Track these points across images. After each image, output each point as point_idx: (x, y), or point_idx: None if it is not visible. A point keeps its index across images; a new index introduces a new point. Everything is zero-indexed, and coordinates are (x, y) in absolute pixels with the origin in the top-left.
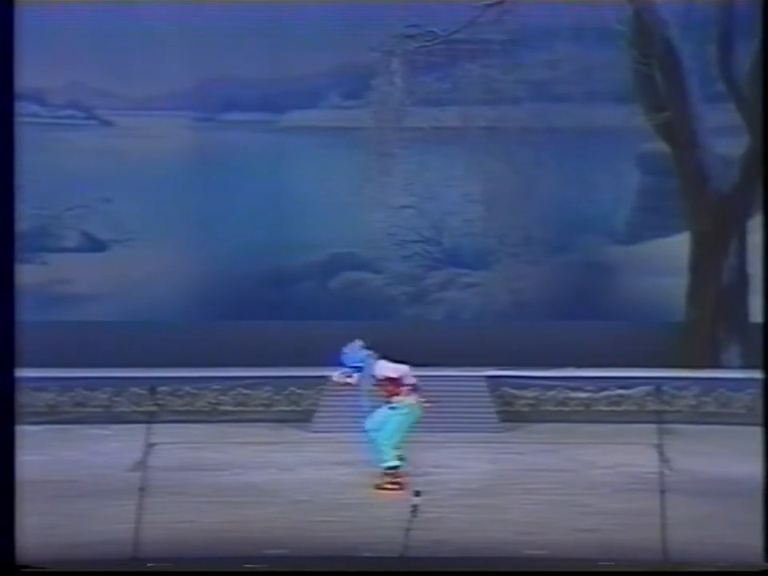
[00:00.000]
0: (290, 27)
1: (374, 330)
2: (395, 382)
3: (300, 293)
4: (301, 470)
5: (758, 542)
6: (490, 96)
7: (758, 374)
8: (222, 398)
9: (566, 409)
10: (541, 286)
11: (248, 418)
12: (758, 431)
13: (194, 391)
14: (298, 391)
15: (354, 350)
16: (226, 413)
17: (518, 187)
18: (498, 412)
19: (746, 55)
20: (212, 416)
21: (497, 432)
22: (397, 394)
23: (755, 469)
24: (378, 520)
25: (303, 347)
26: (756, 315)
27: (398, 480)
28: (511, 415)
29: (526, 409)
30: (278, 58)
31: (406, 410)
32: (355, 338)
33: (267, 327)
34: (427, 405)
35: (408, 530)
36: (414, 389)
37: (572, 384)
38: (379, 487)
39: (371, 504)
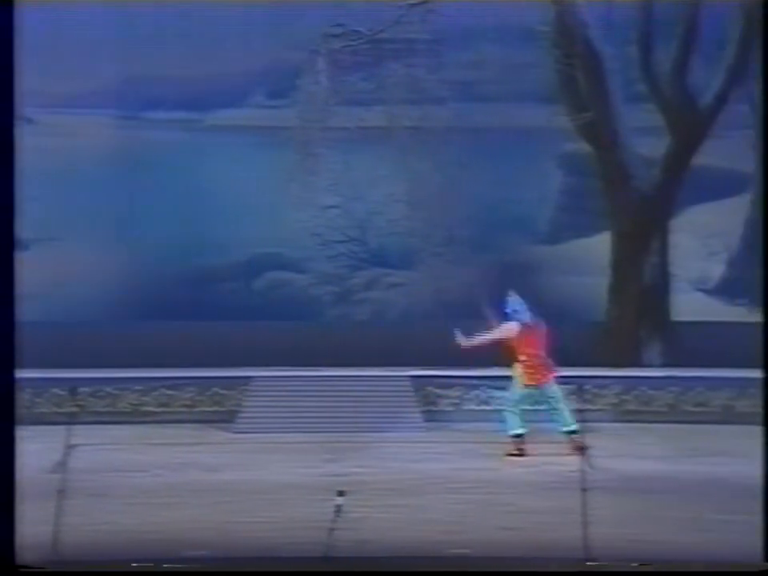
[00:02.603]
0: (214, 25)
1: (298, 330)
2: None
3: (224, 293)
4: (224, 471)
5: (677, 538)
6: (415, 96)
7: (679, 372)
8: (143, 398)
9: (490, 408)
10: (465, 286)
11: (170, 419)
12: (677, 428)
13: (116, 392)
14: (222, 392)
15: (516, 301)
16: (148, 414)
17: (443, 187)
18: (422, 412)
19: (666, 56)
20: (134, 417)
21: (421, 431)
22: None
23: (675, 466)
24: (301, 520)
25: (227, 347)
26: (677, 314)
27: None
28: (435, 415)
29: (450, 408)
30: (203, 56)
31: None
32: (279, 338)
33: (191, 327)
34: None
35: (332, 529)
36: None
37: (496, 383)
38: (509, 454)
39: (294, 504)
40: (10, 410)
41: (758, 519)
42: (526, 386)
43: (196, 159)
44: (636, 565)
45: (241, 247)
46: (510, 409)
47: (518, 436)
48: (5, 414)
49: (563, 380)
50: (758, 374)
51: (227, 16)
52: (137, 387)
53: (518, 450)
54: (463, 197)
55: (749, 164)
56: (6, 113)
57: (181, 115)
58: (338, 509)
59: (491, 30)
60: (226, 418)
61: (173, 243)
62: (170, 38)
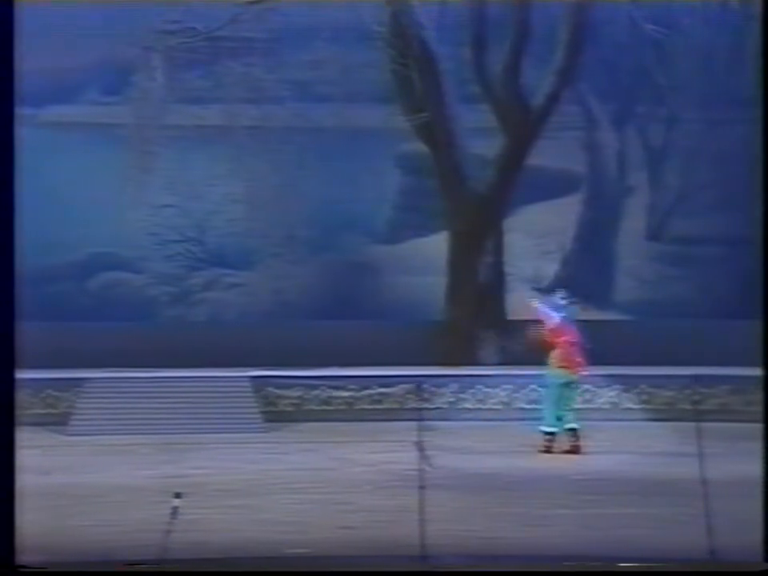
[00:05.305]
0: (48, 20)
1: (135, 330)
2: (554, 335)
3: (58, 293)
4: (57, 474)
5: (509, 533)
6: (253, 95)
7: (513, 371)
8: None
9: (330, 408)
10: (305, 286)
11: None
12: (512, 426)
13: None
14: (55, 394)
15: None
16: None
17: (282, 187)
18: (262, 412)
19: (498, 57)
20: None
21: (261, 432)
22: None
23: (510, 463)
24: (137, 522)
25: (61, 349)
26: (512, 313)
27: (551, 445)
28: (275, 415)
29: (290, 408)
30: (35, 51)
31: (556, 379)
32: (114, 339)
33: (24, 328)
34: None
35: (168, 532)
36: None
37: (335, 383)
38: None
39: (130, 507)
40: (9, 411)
41: (586, 512)
42: (565, 371)
43: (28, 156)
44: (638, 565)
45: (74, 247)
46: (547, 406)
47: (550, 434)
48: (4, 415)
49: (402, 379)
50: (597, 371)
51: (59, 10)
52: None
53: (547, 446)
54: (302, 197)
55: (579, 164)
56: (6, 112)
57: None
58: (175, 511)
59: (328, 29)
60: (59, 421)
61: None
62: None
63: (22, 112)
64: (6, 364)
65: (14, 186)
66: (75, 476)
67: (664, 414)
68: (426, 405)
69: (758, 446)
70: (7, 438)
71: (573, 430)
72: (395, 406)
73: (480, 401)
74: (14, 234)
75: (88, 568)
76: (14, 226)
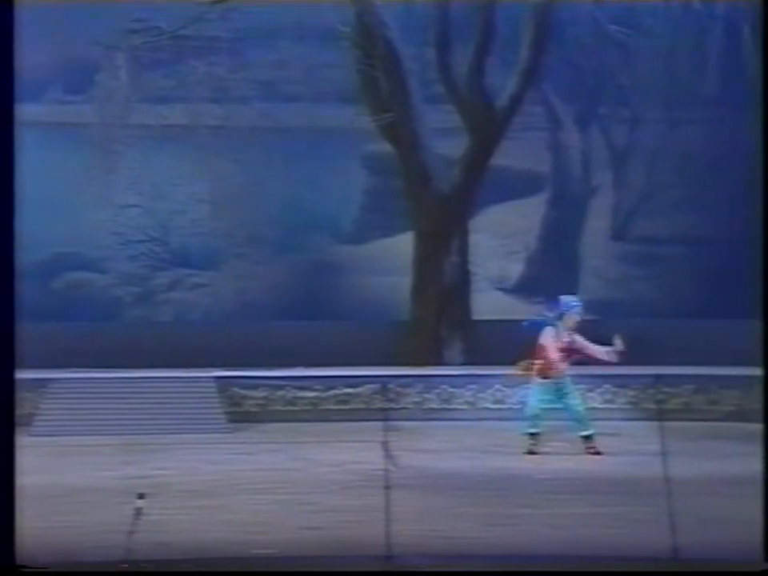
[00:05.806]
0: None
1: (99, 331)
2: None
3: (21, 293)
4: (21, 475)
5: (475, 533)
6: (218, 94)
7: (478, 371)
8: None
9: (295, 408)
10: (269, 286)
11: None
12: (478, 425)
13: None
14: (18, 394)
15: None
16: None
17: (247, 187)
18: (227, 413)
19: (463, 58)
20: None
21: (226, 433)
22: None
23: (475, 463)
24: (101, 524)
25: (24, 349)
26: (477, 313)
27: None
28: (240, 416)
29: (256, 409)
30: None
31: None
32: (78, 339)
33: None
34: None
35: (131, 532)
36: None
37: (301, 383)
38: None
39: (94, 508)
40: (9, 410)
41: (551, 512)
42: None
43: None
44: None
45: (39, 246)
46: (530, 407)
47: (533, 435)
48: (4, 415)
49: (368, 380)
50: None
51: (21, 8)
52: None
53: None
54: (267, 197)
55: (544, 164)
56: (6, 112)
57: None
58: (138, 511)
59: (293, 29)
60: (22, 421)
61: None
62: None
63: None
64: (5, 364)
65: (13, 188)
66: (38, 477)
67: (627, 414)
68: (392, 405)
69: (721, 444)
70: (7, 439)
71: (588, 437)
72: (361, 406)
73: (445, 401)
74: (13, 234)
75: (87, 568)
76: (13, 226)
